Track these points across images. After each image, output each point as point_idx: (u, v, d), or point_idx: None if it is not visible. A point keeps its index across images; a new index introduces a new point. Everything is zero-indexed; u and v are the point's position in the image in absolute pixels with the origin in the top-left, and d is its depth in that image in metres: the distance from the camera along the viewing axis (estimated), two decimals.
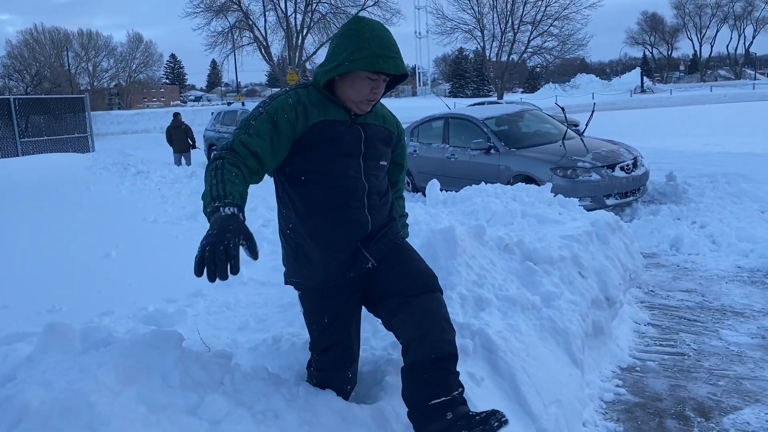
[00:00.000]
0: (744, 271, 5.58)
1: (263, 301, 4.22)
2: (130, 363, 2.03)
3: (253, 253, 1.74)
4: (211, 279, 1.65)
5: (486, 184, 7.53)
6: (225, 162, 1.93)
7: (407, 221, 2.73)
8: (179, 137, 15.11)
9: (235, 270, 1.66)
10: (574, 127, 11.45)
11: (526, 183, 8.05)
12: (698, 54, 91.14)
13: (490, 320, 3.07)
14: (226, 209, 1.77)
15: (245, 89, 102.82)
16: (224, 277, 1.65)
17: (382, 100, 2.32)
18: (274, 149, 2.05)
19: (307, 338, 2.89)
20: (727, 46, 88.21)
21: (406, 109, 40.39)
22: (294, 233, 2.25)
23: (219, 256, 1.64)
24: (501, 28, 40.08)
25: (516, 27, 39.49)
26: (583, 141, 9.00)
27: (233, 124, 15.79)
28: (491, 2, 39.91)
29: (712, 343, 4.08)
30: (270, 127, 2.04)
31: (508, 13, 39.42)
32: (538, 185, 7.49)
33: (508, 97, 45.80)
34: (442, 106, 13.49)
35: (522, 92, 67.32)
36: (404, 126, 11.55)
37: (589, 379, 3.54)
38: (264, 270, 4.95)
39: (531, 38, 39.43)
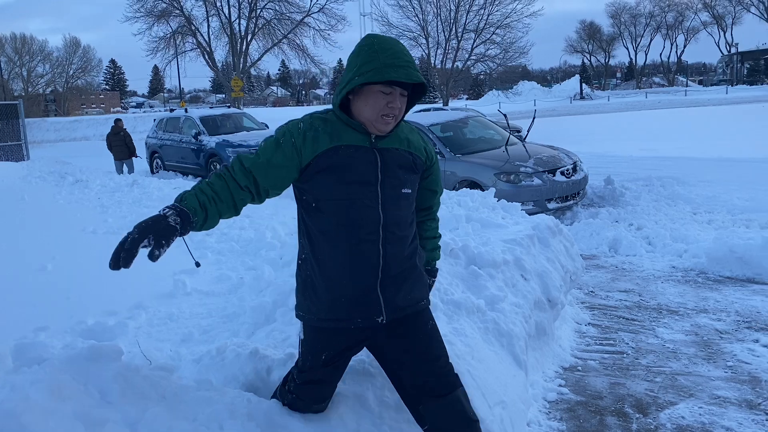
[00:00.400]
0: (678, 270, 5.81)
1: (207, 312, 4.14)
2: (65, 379, 1.97)
3: (151, 255, 1.83)
4: (112, 265, 1.80)
5: None
6: (215, 174, 2.04)
7: (439, 243, 2.52)
8: (118, 144, 14.71)
9: (125, 264, 1.79)
10: (516, 133, 11.71)
11: (471, 188, 8.18)
12: (634, 62, 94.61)
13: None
14: (165, 210, 1.89)
15: (188, 95, 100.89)
16: (110, 265, 1.79)
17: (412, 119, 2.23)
18: (269, 169, 2.01)
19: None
20: (661, 54, 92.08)
21: None
22: (305, 264, 2.15)
23: (117, 246, 1.80)
24: (445, 36, 40.61)
25: (460, 35, 40.10)
26: (525, 147, 9.20)
27: (176, 131, 15.44)
28: (435, 10, 40.42)
29: (649, 341, 4.23)
30: (273, 148, 2.03)
31: (452, 21, 39.99)
32: (483, 190, 7.62)
33: (453, 103, 46.43)
34: None
35: (467, 99, 68.42)
36: None
37: (533, 379, 3.62)
38: (208, 280, 4.87)
39: (474, 46, 40.09)
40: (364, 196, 2.03)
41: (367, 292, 2.08)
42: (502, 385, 3.03)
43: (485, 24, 39.11)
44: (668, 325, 4.50)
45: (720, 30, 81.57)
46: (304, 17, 36.73)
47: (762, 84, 58.88)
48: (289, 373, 2.33)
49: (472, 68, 43.45)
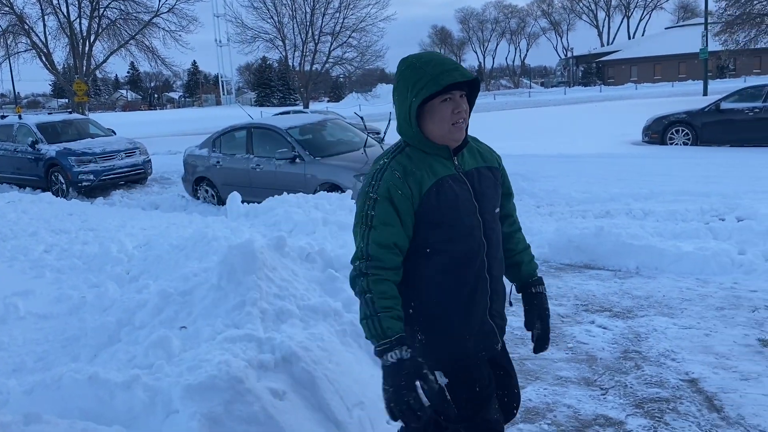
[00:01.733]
0: None
1: (44, 337, 3.80)
2: None
3: (431, 388, 1.83)
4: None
5: (293, 193, 7.56)
6: (370, 282, 1.88)
7: (531, 252, 2.41)
8: None
9: (426, 416, 1.83)
10: (375, 135, 11.93)
11: (332, 191, 8.22)
12: (482, 65, 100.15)
13: (292, 332, 3.07)
14: (390, 355, 1.81)
15: (26, 100, 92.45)
16: (420, 424, 1.86)
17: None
18: (405, 231, 1.94)
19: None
20: (506, 58, 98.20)
21: (209, 118, 39.12)
22: (413, 318, 2.03)
23: (407, 416, 1.81)
24: (302, 38, 40.51)
25: (316, 37, 40.19)
26: (383, 148, 9.39)
27: (9, 139, 14.04)
28: (290, 12, 40.18)
29: None
30: (391, 210, 1.91)
31: (308, 23, 39.98)
32: (343, 192, 7.67)
33: (314, 106, 46.41)
34: (246, 116, 13.29)
35: (328, 101, 68.77)
36: (205, 137, 11.07)
37: None
38: (46, 301, 4.48)
39: (332, 49, 40.35)
40: (471, 227, 2.00)
41: (483, 324, 2.09)
42: (361, 386, 3.05)
43: (341, 27, 39.52)
44: (516, 313, 4.70)
45: (557, 35, 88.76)
46: (153, 18, 34.94)
47: (594, 85, 64.67)
48: None
49: (330, 71, 43.74)
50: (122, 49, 35.78)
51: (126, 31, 35.35)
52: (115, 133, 14.95)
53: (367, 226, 1.92)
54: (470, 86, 2.02)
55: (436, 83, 1.88)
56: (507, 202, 2.29)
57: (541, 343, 2.31)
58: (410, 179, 1.94)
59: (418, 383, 1.81)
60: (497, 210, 2.13)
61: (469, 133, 2.06)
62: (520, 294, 2.36)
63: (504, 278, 2.23)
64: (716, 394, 3.39)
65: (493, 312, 2.12)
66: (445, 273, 2.00)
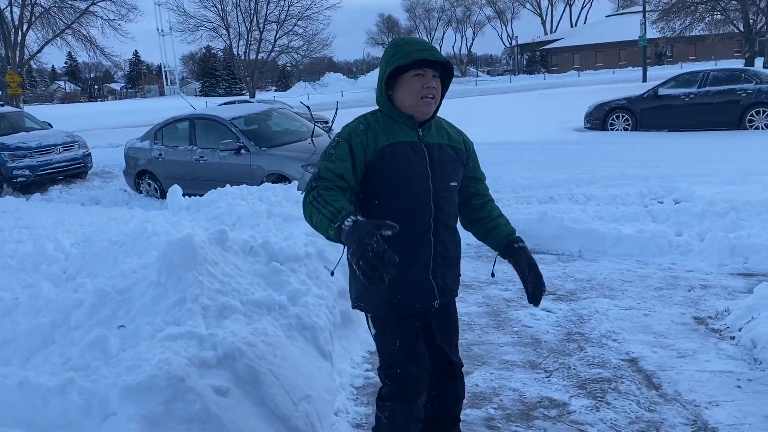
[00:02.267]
0: (472, 248, 6.23)
1: None
2: None
3: (392, 228, 1.87)
4: (382, 282, 1.80)
5: (240, 184, 7.43)
6: (319, 189, 2.10)
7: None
8: None
9: (393, 258, 1.80)
10: (324, 125, 11.84)
11: (280, 181, 8.12)
12: None
13: (235, 327, 3.01)
14: (346, 222, 1.92)
15: None
16: (392, 272, 1.81)
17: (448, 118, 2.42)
18: (354, 169, 2.20)
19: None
20: (453, 46, 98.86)
21: (152, 110, 38.03)
22: None
23: (374, 262, 1.79)
24: (246, 27, 39.84)
25: (261, 26, 39.57)
26: (330, 137, 9.32)
27: None
28: (234, 0, 39.43)
29: None
30: (347, 149, 2.20)
31: (252, 11, 39.33)
32: (290, 183, 7.57)
33: (261, 95, 45.73)
34: (188, 106, 12.99)
35: (275, 90, 67.87)
36: (148, 129, 10.75)
37: (341, 367, 3.67)
38: None
39: (277, 37, 39.86)
40: (420, 190, 2.24)
41: (422, 280, 2.30)
42: (307, 380, 3.02)
43: (287, 15, 39.08)
44: (464, 299, 4.82)
45: (502, 24, 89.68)
46: (89, 6, 33.69)
47: (539, 73, 65.74)
48: (380, 394, 2.45)
49: (277, 60, 43.19)
50: (58, 38, 34.42)
51: (61, 19, 34.00)
52: (51, 127, 14.44)
53: (328, 160, 2.22)
54: (445, 72, 2.28)
55: (406, 57, 2.18)
56: (477, 184, 2.51)
57: (537, 290, 2.38)
58: (370, 133, 2.24)
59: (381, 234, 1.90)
60: (453, 184, 2.36)
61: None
62: (506, 258, 2.47)
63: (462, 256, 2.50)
64: (655, 372, 3.50)
65: (436, 273, 2.33)
66: None
